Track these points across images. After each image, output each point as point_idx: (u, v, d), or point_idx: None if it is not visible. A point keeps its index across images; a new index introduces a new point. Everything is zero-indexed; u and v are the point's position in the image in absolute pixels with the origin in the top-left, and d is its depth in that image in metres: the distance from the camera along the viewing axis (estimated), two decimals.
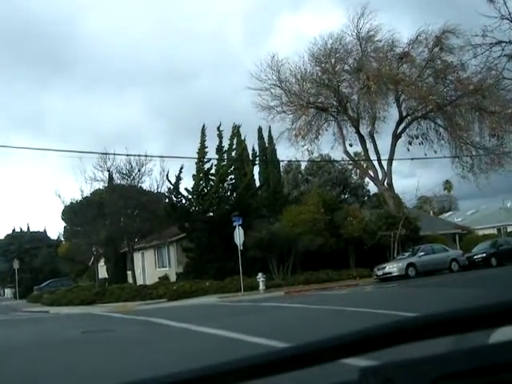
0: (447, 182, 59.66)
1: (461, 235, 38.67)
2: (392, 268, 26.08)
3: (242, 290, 24.09)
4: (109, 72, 79.29)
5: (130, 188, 32.38)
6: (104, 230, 33.08)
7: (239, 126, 34.16)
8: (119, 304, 24.82)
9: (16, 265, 38.07)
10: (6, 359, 9.44)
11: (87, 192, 33.97)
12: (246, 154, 35.69)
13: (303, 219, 28.98)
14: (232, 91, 70.04)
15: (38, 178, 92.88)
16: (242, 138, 34.86)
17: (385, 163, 34.23)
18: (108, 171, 32.54)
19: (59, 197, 40.29)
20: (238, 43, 78.13)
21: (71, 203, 35.49)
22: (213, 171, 32.22)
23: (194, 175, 32.34)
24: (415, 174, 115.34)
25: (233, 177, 33.13)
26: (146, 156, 31.96)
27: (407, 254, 27.96)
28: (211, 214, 31.20)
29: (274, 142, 37.07)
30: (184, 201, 32.76)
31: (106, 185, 33.74)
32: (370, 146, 34.87)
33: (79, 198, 34.23)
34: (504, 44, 28.33)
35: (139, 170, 32.36)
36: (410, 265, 26.27)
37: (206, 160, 32.28)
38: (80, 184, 34.17)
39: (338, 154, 44.91)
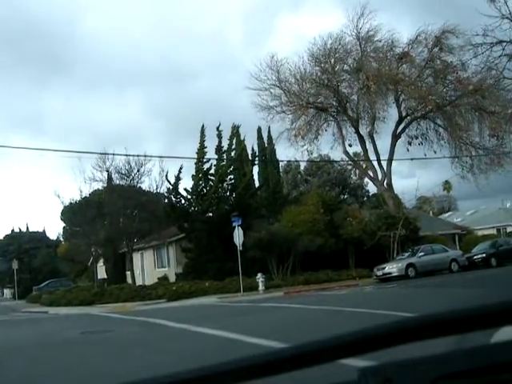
0: (447, 182, 59.71)
1: (460, 235, 38.68)
2: (392, 268, 26.08)
3: (242, 291, 24.08)
4: (108, 72, 79.41)
5: (129, 188, 32.38)
6: (103, 230, 33.09)
7: (239, 126, 34.21)
8: (118, 304, 24.81)
9: (15, 265, 37.99)
10: (5, 360, 9.43)
11: (86, 192, 34.01)
12: (245, 154, 35.70)
13: (303, 219, 28.99)
14: (231, 91, 70.23)
15: (37, 178, 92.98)
16: (242, 138, 34.88)
17: (384, 163, 34.23)
18: (107, 171, 32.57)
19: (58, 197, 40.33)
20: (237, 43, 78.24)
21: (70, 203, 35.51)
22: (212, 171, 32.22)
23: (193, 175, 32.33)
24: (415, 175, 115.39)
25: (232, 177, 33.13)
26: (145, 156, 32.01)
27: (407, 254, 27.96)
28: (210, 214, 31.18)
29: (274, 142, 37.09)
30: (183, 201, 32.76)
31: (105, 185, 33.75)
32: (369, 146, 34.90)
33: (78, 198, 34.26)
34: (505, 43, 28.35)
35: (138, 171, 32.39)
36: (409, 265, 26.27)
37: (205, 160, 32.29)
38: (79, 184, 34.33)
39: (337, 155, 44.90)
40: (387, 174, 34.09)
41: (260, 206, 33.43)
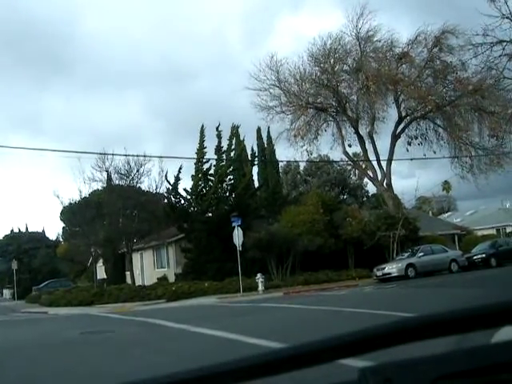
0: (446, 182, 59.72)
1: (460, 236, 38.69)
2: (391, 268, 26.07)
3: (241, 291, 24.08)
4: (108, 72, 79.38)
5: (128, 188, 32.38)
6: (103, 230, 33.09)
7: (238, 127, 34.21)
8: (118, 305, 24.81)
9: (14, 265, 37.98)
10: (5, 360, 9.43)
11: (86, 192, 34.02)
12: (244, 155, 35.71)
13: (302, 220, 28.99)
14: (231, 91, 70.23)
15: (37, 179, 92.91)
16: (241, 138, 34.89)
17: (384, 163, 34.24)
18: (106, 171, 32.57)
19: (58, 197, 40.45)
20: (237, 44, 78.29)
21: (70, 204, 35.53)
22: (212, 171, 32.21)
23: (192, 175, 32.33)
24: (414, 175, 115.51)
25: (232, 177, 33.13)
26: (144, 156, 32.02)
27: (406, 254, 27.95)
28: (210, 214, 31.17)
29: (273, 142, 37.12)
30: (183, 201, 32.75)
31: (105, 185, 33.75)
32: (369, 146, 34.91)
33: (78, 198, 34.27)
34: (505, 43, 28.33)
35: (138, 171, 32.39)
36: (409, 265, 26.27)
37: (204, 160, 32.28)
38: (78, 184, 34.32)
39: (337, 155, 44.98)
40: (387, 174, 34.09)
41: (259, 206, 33.43)
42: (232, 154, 33.54)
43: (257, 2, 76.40)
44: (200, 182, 32.04)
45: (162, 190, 32.93)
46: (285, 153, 73.96)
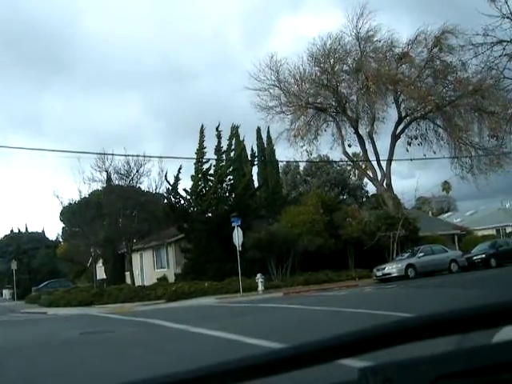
0: (446, 182, 59.74)
1: (460, 236, 38.70)
2: (391, 269, 26.08)
3: (241, 291, 24.07)
4: (108, 72, 79.30)
5: (128, 188, 32.37)
6: (102, 230, 33.08)
7: (238, 127, 34.20)
8: (117, 305, 24.81)
9: (14, 266, 37.95)
10: (4, 360, 9.43)
11: (85, 193, 34.01)
12: (244, 155, 35.70)
13: (302, 220, 28.98)
14: (231, 92, 70.25)
15: (36, 179, 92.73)
16: (241, 138, 34.88)
17: (384, 164, 34.24)
18: (106, 172, 32.56)
19: (57, 197, 40.45)
20: (237, 44, 78.27)
21: (69, 204, 35.53)
22: (211, 172, 32.21)
23: (192, 176, 32.33)
24: (414, 175, 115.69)
25: (231, 177, 33.12)
26: (144, 156, 32.01)
27: (406, 254, 27.96)
28: (210, 214, 31.16)
29: (273, 142, 37.12)
30: (182, 201, 32.75)
31: (105, 185, 33.73)
32: (368, 146, 34.91)
33: (77, 198, 34.28)
34: (505, 43, 28.30)
35: (137, 171, 32.39)
36: (409, 265, 26.27)
37: (204, 160, 32.28)
38: (78, 184, 34.35)
39: (336, 155, 44.89)
40: (387, 175, 34.10)
41: (259, 206, 33.43)
42: (232, 154, 33.55)
43: (256, 3, 76.43)
44: (200, 182, 32.04)
45: (162, 190, 32.98)
46: (285, 153, 73.95)
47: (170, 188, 32.33)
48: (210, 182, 31.97)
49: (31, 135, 79.51)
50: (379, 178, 34.41)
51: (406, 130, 35.10)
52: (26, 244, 56.24)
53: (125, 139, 77.30)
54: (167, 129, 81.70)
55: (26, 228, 61.00)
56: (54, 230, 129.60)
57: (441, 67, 33.23)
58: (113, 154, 31.69)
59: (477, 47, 29.29)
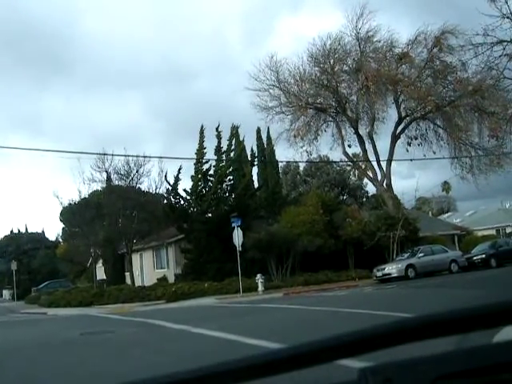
0: (446, 182, 59.76)
1: (460, 236, 38.71)
2: (391, 269, 26.08)
3: (241, 292, 24.07)
4: (108, 72, 79.36)
5: (128, 189, 32.36)
6: (102, 230, 33.07)
7: (238, 127, 34.20)
8: (117, 305, 24.80)
9: (14, 266, 37.93)
10: (4, 360, 9.43)
11: (85, 193, 33.98)
12: (244, 155, 35.70)
13: (302, 220, 28.98)
14: (231, 92, 70.32)
15: (36, 179, 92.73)
16: (241, 138, 34.87)
17: (384, 164, 34.25)
18: (106, 172, 32.53)
19: (57, 198, 40.45)
20: (237, 44, 78.32)
21: (69, 204, 35.50)
22: (211, 172, 32.22)
23: (192, 176, 32.32)
24: (414, 175, 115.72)
25: (231, 178, 33.11)
26: (144, 157, 31.98)
27: (406, 254, 27.95)
28: (210, 214, 31.16)
29: (273, 142, 37.08)
30: (182, 202, 32.73)
31: (104, 186, 33.71)
32: (368, 146, 34.91)
33: (77, 198, 34.23)
34: (505, 43, 28.29)
35: (137, 171, 32.35)
36: (409, 266, 26.27)
37: (204, 161, 32.28)
38: (78, 185, 34.32)
39: (336, 155, 44.89)
40: (386, 175, 34.10)
41: (259, 206, 33.42)
42: (232, 154, 33.54)
43: (256, 3, 76.46)
44: (200, 183, 32.04)
45: (162, 190, 32.95)
46: (284, 153, 73.86)
47: (170, 188, 32.34)
48: (209, 183, 31.98)
49: (31, 135, 79.59)
50: (379, 179, 34.42)
51: (406, 131, 35.11)
52: (25, 244, 56.25)
53: (125, 139, 77.45)
54: (167, 129, 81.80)
55: (26, 228, 61.08)
56: (53, 230, 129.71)
57: (441, 67, 33.24)
58: (113, 155, 31.68)
59: (477, 47, 29.29)
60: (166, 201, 33.29)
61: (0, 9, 59.26)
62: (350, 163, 41.31)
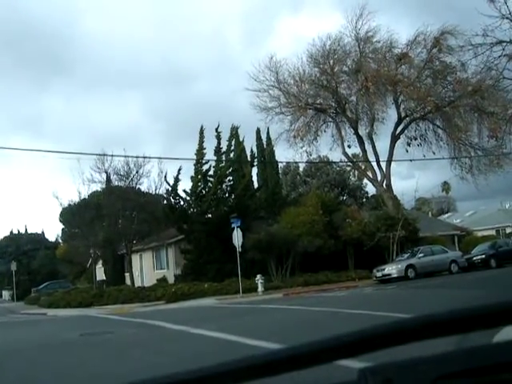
0: (446, 183, 59.81)
1: (460, 236, 38.71)
2: (391, 269, 26.08)
3: (241, 292, 24.07)
4: (108, 73, 79.40)
5: (127, 189, 32.33)
6: (102, 231, 33.04)
7: (237, 128, 34.18)
8: (117, 306, 24.79)
9: (14, 267, 37.93)
10: (4, 361, 9.42)
11: (85, 194, 33.92)
12: (244, 156, 35.68)
13: (302, 221, 28.97)
14: (231, 93, 70.30)
15: (36, 180, 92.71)
16: (241, 139, 34.84)
17: (383, 164, 34.27)
18: (106, 173, 32.50)
19: (57, 198, 40.34)
20: (237, 45, 78.32)
21: (69, 205, 35.46)
22: (211, 173, 32.20)
23: (192, 177, 32.32)
24: (414, 176, 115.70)
25: (231, 178, 33.10)
26: (144, 157, 31.95)
27: (406, 255, 27.95)
28: (209, 215, 31.16)
29: (273, 143, 37.09)
30: (182, 202, 32.72)
31: (104, 186, 33.68)
32: (368, 147, 34.93)
33: (77, 199, 34.18)
34: (505, 44, 28.33)
35: (137, 172, 32.31)
36: (409, 266, 26.27)
37: (204, 161, 32.26)
38: (78, 186, 34.24)
39: (336, 156, 45.00)
40: (386, 175, 34.11)
41: (259, 207, 33.41)
42: (231, 154, 33.54)
43: (256, 4, 76.52)
44: (199, 183, 32.03)
45: (162, 191, 32.91)
46: (284, 154, 74.00)
47: (170, 189, 32.33)
48: (209, 183, 31.97)
49: (32, 136, 79.57)
50: (379, 179, 34.43)
51: (406, 131, 35.12)
52: (25, 245, 56.24)
53: (124, 140, 77.48)
54: (167, 129, 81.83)
55: (26, 229, 61.04)
56: (53, 231, 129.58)
57: (440, 68, 33.26)
58: (112, 155, 31.63)
59: (476, 48, 29.34)
60: (165, 201, 33.27)
61: (0, 9, 59.27)
62: (349, 164, 41.34)
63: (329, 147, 36.06)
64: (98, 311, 23.03)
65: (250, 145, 36.59)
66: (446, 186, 63.47)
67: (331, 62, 33.53)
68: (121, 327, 14.86)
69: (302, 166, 49.55)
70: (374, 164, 34.75)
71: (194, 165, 32.18)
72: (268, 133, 38.12)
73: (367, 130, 34.93)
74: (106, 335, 12.76)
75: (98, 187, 34.19)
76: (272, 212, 32.68)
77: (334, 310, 13.94)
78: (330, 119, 35.62)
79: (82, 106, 75.30)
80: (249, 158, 36.11)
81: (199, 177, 31.95)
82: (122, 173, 32.50)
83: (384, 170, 34.13)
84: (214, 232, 29.05)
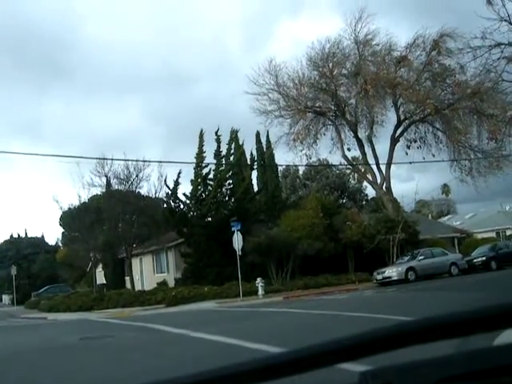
0: (445, 185, 59.84)
1: (460, 239, 38.70)
2: (391, 272, 26.05)
3: (241, 296, 24.04)
4: (108, 77, 79.60)
5: (127, 193, 32.34)
6: (102, 235, 33.02)
7: (237, 131, 34.18)
8: (117, 310, 24.76)
9: (14, 271, 37.89)
10: (4, 365, 9.41)
11: (85, 197, 33.96)
12: (244, 159, 35.67)
13: (302, 224, 28.96)
14: (230, 96, 70.21)
15: (36, 184, 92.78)
16: (240, 142, 34.83)
17: (383, 167, 34.27)
18: (106, 176, 32.51)
19: (57, 202, 40.41)
20: (236, 49, 78.51)
21: (69, 209, 35.48)
22: (211, 176, 32.20)
23: (192, 180, 32.32)
24: (413, 178, 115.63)
25: (231, 182, 33.11)
26: (144, 161, 31.96)
27: (406, 258, 27.93)
28: (209, 219, 31.15)
29: (272, 146, 37.10)
30: (182, 206, 32.73)
31: (104, 190, 33.70)
32: (368, 150, 34.94)
33: (77, 203, 34.20)
34: (503, 46, 28.36)
35: (137, 176, 32.34)
36: (409, 269, 26.24)
37: (204, 165, 32.26)
38: (78, 189, 34.31)
39: (336, 159, 45.08)
40: (386, 178, 34.11)
41: (259, 210, 33.41)
42: (231, 158, 33.54)
43: (256, 8, 76.72)
44: (199, 187, 32.03)
45: (162, 194, 32.90)
46: (284, 157, 74.11)
47: (170, 192, 32.32)
48: (209, 187, 31.96)
49: (31, 140, 79.72)
50: (379, 182, 34.43)
51: (405, 134, 35.15)
52: (25, 249, 56.16)
53: (124, 144, 77.54)
54: (167, 133, 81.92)
55: (26, 233, 60.98)
56: (53, 234, 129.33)
57: (439, 70, 33.30)
58: (112, 159, 31.64)
59: (475, 50, 29.35)
60: (165, 205, 33.27)
61: (0, 14, 59.36)
62: (349, 167, 41.34)
63: (328, 150, 36.12)
64: (98, 315, 23.00)
65: (249, 148, 36.66)
66: (445, 189, 63.51)
67: (330, 65, 33.57)
68: (121, 331, 14.84)
69: (301, 169, 49.60)
70: (374, 167, 34.81)
71: (194, 168, 32.20)
72: (268, 136, 38.18)
73: (367, 133, 34.97)
74: (106, 339, 12.74)
75: (98, 191, 34.27)
76: (272, 215, 32.68)
77: (334, 312, 13.91)
78: (330, 122, 35.65)
79: (82, 110, 75.46)
80: (248, 162, 36.12)
81: (199, 180, 31.95)
82: (121, 176, 32.54)
83: (384, 172, 34.14)
84: (214, 235, 29.04)
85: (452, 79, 33.19)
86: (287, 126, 34.58)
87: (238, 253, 24.70)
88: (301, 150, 34.68)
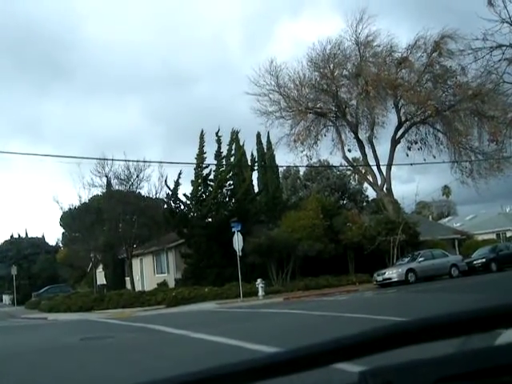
0: (446, 187, 59.82)
1: (460, 240, 38.66)
2: (392, 273, 26.04)
3: (241, 296, 24.04)
4: (108, 77, 79.63)
5: (128, 194, 32.35)
6: (102, 235, 33.04)
7: (238, 132, 34.19)
8: (117, 310, 24.76)
9: (14, 271, 37.90)
10: (4, 365, 9.41)
11: (85, 198, 33.99)
12: (244, 160, 35.68)
13: (302, 225, 28.96)
14: (231, 97, 70.44)
15: (37, 184, 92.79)
16: (241, 143, 34.85)
17: (384, 168, 34.26)
18: (106, 177, 32.53)
19: (57, 203, 40.46)
20: (237, 49, 78.51)
21: (69, 209, 35.51)
22: (211, 177, 32.19)
23: (192, 181, 32.31)
24: (414, 180, 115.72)
25: (231, 182, 33.10)
26: (144, 161, 31.98)
27: (407, 259, 27.92)
28: (210, 219, 31.14)
29: (273, 147, 37.11)
30: (182, 206, 32.72)
31: (104, 191, 33.71)
32: (368, 151, 34.94)
33: (77, 203, 34.24)
34: (504, 48, 28.36)
35: (137, 176, 32.35)
36: (409, 270, 26.23)
37: (204, 165, 32.25)
38: (78, 190, 34.34)
39: (336, 160, 45.11)
40: (387, 179, 34.10)
41: (259, 211, 33.41)
42: (232, 159, 33.52)
43: (256, 8, 76.76)
44: (200, 188, 32.02)
45: (162, 195, 32.91)
46: (284, 158, 74.14)
47: (170, 193, 32.31)
48: (210, 187, 31.96)
49: (31, 140, 79.77)
50: (379, 183, 34.42)
51: (406, 135, 35.15)
52: (25, 249, 56.18)
53: (125, 144, 77.59)
54: (167, 134, 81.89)
55: (26, 233, 61.02)
56: (53, 235, 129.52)
57: (440, 72, 33.29)
58: (113, 160, 31.66)
59: (476, 52, 29.35)
60: (166, 206, 33.27)
61: (0, 14, 59.41)
62: (350, 168, 41.36)
63: (329, 151, 36.14)
64: (99, 315, 23.00)
65: (250, 149, 36.65)
66: (446, 190, 63.49)
67: (331, 66, 33.57)
68: (121, 331, 14.84)
69: (302, 170, 49.59)
70: (375, 168, 34.80)
71: (195, 169, 32.19)
72: (268, 137, 38.20)
73: (367, 134, 34.97)
74: (106, 339, 12.75)
75: (98, 191, 34.28)
76: (272, 216, 32.68)
77: (334, 314, 13.91)
78: (331, 123, 35.65)
79: (82, 110, 75.45)
80: (249, 162, 36.13)
81: (199, 181, 31.95)
82: (122, 177, 32.57)
83: (384, 173, 34.13)
84: (214, 236, 29.04)
85: (453, 81, 33.18)
86: (288, 126, 34.62)
87: (239, 253, 24.70)
88: (301, 151, 34.73)
